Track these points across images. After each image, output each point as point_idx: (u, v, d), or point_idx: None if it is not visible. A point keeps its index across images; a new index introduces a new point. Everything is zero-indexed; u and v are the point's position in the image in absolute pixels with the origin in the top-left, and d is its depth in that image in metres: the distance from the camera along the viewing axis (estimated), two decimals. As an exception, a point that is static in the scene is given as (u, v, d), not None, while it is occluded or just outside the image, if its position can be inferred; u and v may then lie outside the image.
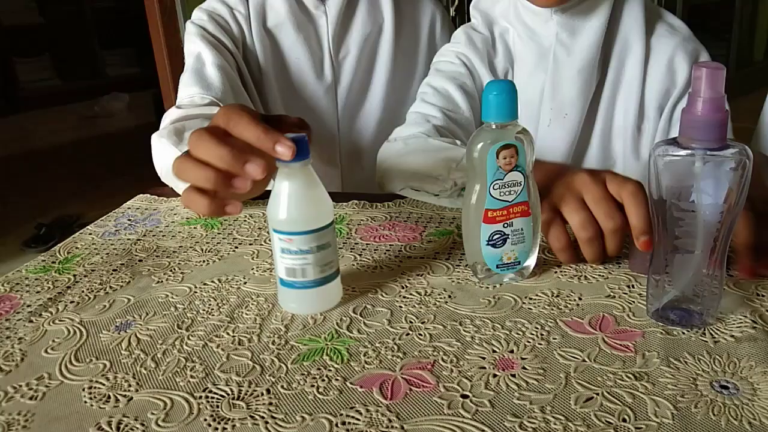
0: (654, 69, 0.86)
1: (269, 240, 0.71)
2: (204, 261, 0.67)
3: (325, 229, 0.54)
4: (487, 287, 0.59)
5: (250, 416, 0.43)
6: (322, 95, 0.96)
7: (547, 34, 0.86)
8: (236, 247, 0.70)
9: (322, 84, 0.96)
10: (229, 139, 0.52)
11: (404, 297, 0.58)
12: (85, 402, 0.46)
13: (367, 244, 0.69)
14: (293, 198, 0.53)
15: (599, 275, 0.59)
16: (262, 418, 0.43)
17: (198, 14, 0.96)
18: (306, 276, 0.54)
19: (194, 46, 0.91)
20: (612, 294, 0.56)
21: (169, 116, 0.84)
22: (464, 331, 0.52)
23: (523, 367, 0.47)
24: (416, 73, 1.02)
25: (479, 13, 0.92)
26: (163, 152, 0.78)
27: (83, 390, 0.47)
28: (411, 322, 0.54)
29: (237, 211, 0.53)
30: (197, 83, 0.88)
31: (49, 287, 0.63)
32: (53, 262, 0.69)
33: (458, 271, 0.62)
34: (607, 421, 0.41)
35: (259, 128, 0.51)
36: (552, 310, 0.54)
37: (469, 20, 0.96)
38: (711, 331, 0.50)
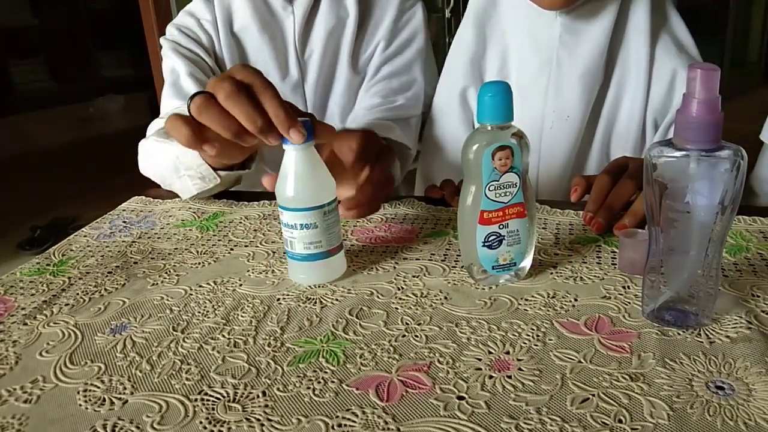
0: (657, 82, 0.86)
1: (264, 242, 0.71)
2: (199, 263, 0.67)
3: (309, 210, 0.58)
4: (483, 288, 0.59)
5: (246, 419, 0.43)
6: (289, 94, 0.97)
7: (551, 35, 0.86)
8: (232, 249, 0.70)
9: (289, 83, 0.97)
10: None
11: (400, 299, 0.58)
12: (80, 405, 0.46)
13: (363, 245, 0.69)
14: (289, 176, 0.58)
15: (595, 276, 0.59)
16: (258, 420, 0.43)
17: (169, 30, 0.99)
18: (294, 248, 0.60)
19: (169, 61, 0.95)
20: (607, 295, 0.56)
21: (154, 126, 0.87)
22: (460, 332, 0.52)
23: (519, 369, 0.47)
24: (373, 62, 1.00)
25: (473, 24, 0.92)
26: (154, 150, 0.79)
27: (78, 393, 0.47)
28: (407, 323, 0.54)
29: (213, 152, 0.57)
30: (176, 95, 0.91)
31: (43, 290, 0.63)
32: (48, 265, 0.68)
33: (454, 273, 0.62)
34: (603, 422, 0.41)
35: (281, 107, 0.55)
36: (548, 311, 0.54)
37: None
38: (706, 332, 0.50)
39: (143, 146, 0.82)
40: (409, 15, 1.00)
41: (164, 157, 0.77)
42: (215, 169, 0.74)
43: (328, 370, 0.48)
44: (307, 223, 0.58)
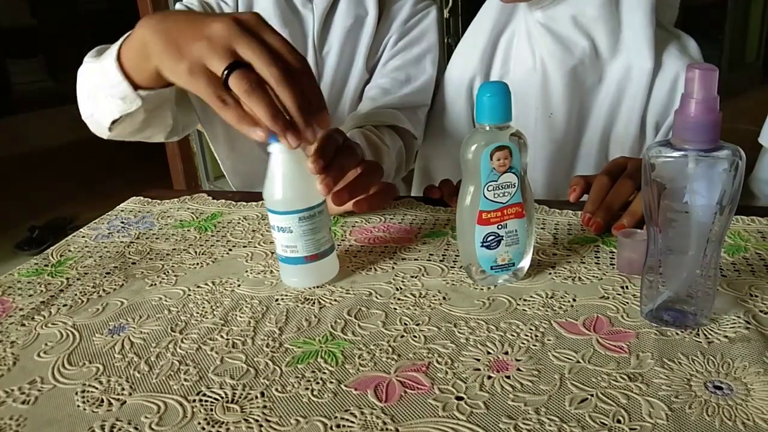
0: (659, 84, 0.86)
1: (263, 242, 0.71)
2: (198, 264, 0.67)
3: (283, 214, 0.58)
4: (482, 289, 0.59)
5: (245, 419, 0.43)
6: None
7: (540, 34, 0.86)
8: (230, 250, 0.70)
9: None
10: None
11: (399, 299, 0.58)
12: (78, 406, 0.46)
13: (361, 246, 0.69)
14: (271, 175, 0.58)
15: (593, 276, 0.59)
16: (257, 421, 0.43)
17: (188, 1, 0.95)
18: (277, 249, 0.60)
19: None
20: (606, 295, 0.56)
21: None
22: (459, 332, 0.52)
23: (518, 369, 0.47)
24: (382, 58, 1.01)
25: (492, 16, 0.93)
26: (83, 72, 0.74)
27: (76, 394, 0.47)
28: (405, 324, 0.54)
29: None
30: None
31: (41, 290, 0.63)
32: (46, 265, 0.68)
33: (453, 273, 0.62)
34: (601, 422, 0.41)
35: (293, 100, 0.52)
36: (546, 311, 0.54)
37: (463, 22, 0.96)
38: (705, 332, 0.50)
39: (79, 73, 0.75)
40: (421, 16, 1.00)
41: (90, 78, 0.72)
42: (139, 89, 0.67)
43: (326, 371, 0.48)
44: (282, 227, 0.58)
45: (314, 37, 0.96)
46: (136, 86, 0.66)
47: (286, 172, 0.57)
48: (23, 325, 0.57)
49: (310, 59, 0.97)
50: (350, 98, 0.99)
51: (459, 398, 0.44)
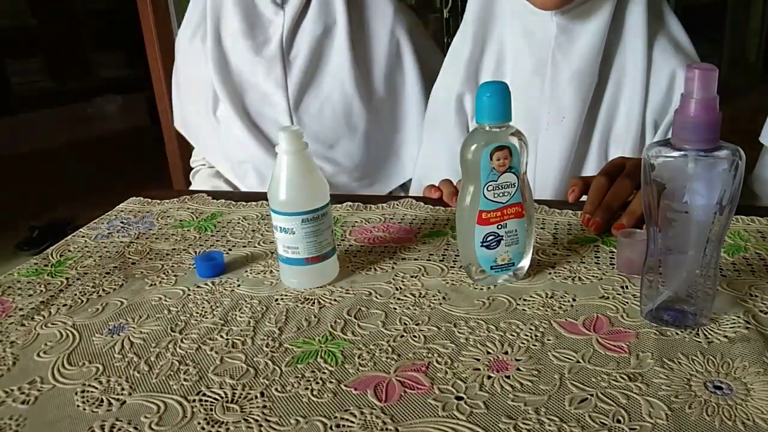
0: (655, 83, 0.85)
1: (263, 242, 0.71)
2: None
3: (288, 215, 0.58)
4: (482, 289, 0.59)
5: (244, 419, 0.43)
6: (272, 92, 1.01)
7: (546, 36, 0.85)
8: (230, 250, 0.70)
9: (272, 82, 1.00)
10: None
11: (398, 299, 0.58)
12: (78, 406, 0.46)
13: (361, 245, 0.69)
14: (276, 176, 0.59)
15: (593, 276, 0.59)
16: (256, 421, 0.43)
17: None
18: (278, 249, 0.60)
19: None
20: (606, 295, 0.56)
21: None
22: (459, 332, 0.52)
23: (518, 369, 0.47)
24: (373, 71, 1.03)
25: (471, 27, 0.92)
26: None
27: (76, 394, 0.47)
28: (405, 323, 0.54)
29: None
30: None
31: (41, 290, 0.63)
32: (46, 265, 0.68)
33: (452, 273, 0.62)
34: (601, 422, 0.41)
35: None
36: (546, 311, 0.54)
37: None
38: (704, 332, 0.50)
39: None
40: (402, 24, 1.04)
41: None
42: None
43: (326, 371, 0.48)
44: (285, 228, 0.58)
45: (283, 40, 0.98)
46: None
47: (292, 174, 0.58)
48: (23, 325, 0.57)
49: (278, 61, 1.00)
50: (324, 103, 1.02)
51: (459, 398, 0.44)
